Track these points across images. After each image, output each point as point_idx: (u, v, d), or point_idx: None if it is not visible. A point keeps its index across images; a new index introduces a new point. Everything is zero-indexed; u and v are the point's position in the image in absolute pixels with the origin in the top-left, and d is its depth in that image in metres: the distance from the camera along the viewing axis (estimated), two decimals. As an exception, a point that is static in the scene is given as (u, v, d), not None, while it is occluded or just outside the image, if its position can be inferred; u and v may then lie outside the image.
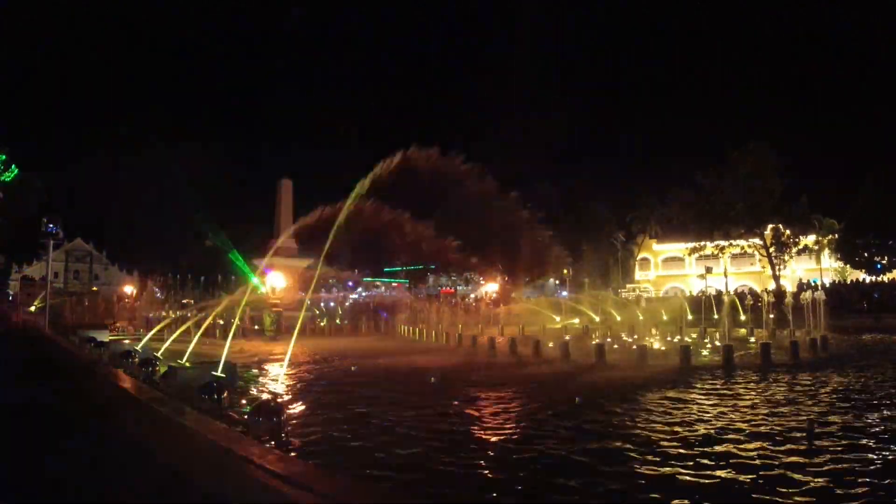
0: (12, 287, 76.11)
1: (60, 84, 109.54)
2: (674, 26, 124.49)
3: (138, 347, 16.59)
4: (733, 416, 10.64)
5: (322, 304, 53.60)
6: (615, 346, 22.98)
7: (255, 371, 18.47)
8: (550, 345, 23.07)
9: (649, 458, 7.92)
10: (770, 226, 62.96)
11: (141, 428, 8.25)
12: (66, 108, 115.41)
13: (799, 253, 65.65)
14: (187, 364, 13.48)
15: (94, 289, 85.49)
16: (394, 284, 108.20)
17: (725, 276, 66.20)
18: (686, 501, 6.33)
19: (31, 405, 10.97)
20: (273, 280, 45.61)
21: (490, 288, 69.57)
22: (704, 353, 21.37)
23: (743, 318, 34.78)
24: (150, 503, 5.80)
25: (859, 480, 6.94)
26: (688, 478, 7.09)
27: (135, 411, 8.81)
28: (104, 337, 21.94)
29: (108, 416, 9.83)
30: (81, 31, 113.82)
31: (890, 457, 8.00)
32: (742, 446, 8.48)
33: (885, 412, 10.95)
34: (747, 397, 12.77)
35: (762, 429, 9.64)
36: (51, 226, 28.78)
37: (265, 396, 12.69)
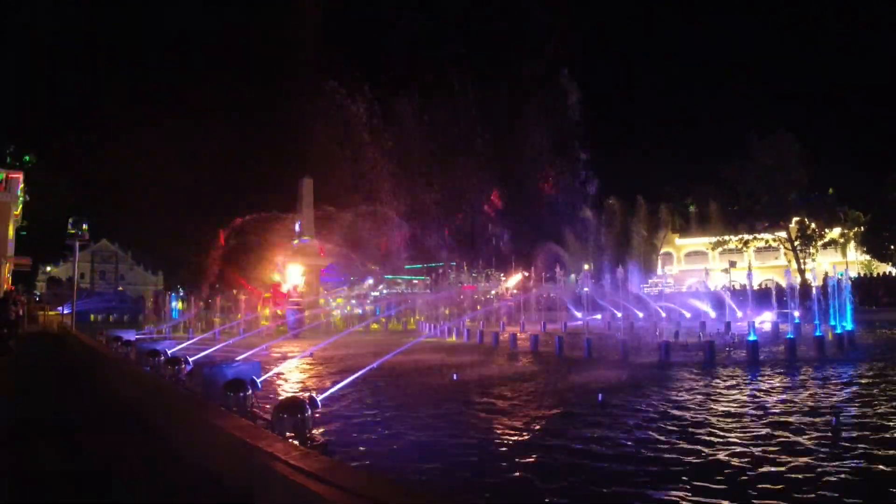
0: (39, 288, 77.43)
1: (85, 82, 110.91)
2: (699, 15, 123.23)
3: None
4: (757, 410, 10.54)
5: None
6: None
7: (280, 368, 18.63)
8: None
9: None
10: (795, 219, 62.09)
11: (167, 425, 8.36)
12: (90, 106, 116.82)
13: (825, 246, 64.67)
14: (213, 362, 13.63)
15: (120, 289, 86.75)
16: (415, 282, 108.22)
17: (749, 270, 65.37)
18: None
19: (58, 403, 11.16)
20: (294, 279, 45.99)
21: (511, 283, 69.51)
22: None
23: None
24: (175, 501, 5.88)
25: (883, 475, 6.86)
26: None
27: (160, 409, 8.93)
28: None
29: (134, 413, 9.97)
30: (106, 28, 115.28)
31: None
32: (765, 439, 8.41)
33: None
34: (773, 392, 12.66)
35: (788, 420, 9.54)
36: (77, 227, 29.23)
37: (289, 393, 12.80)
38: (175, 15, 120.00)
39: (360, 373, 12.76)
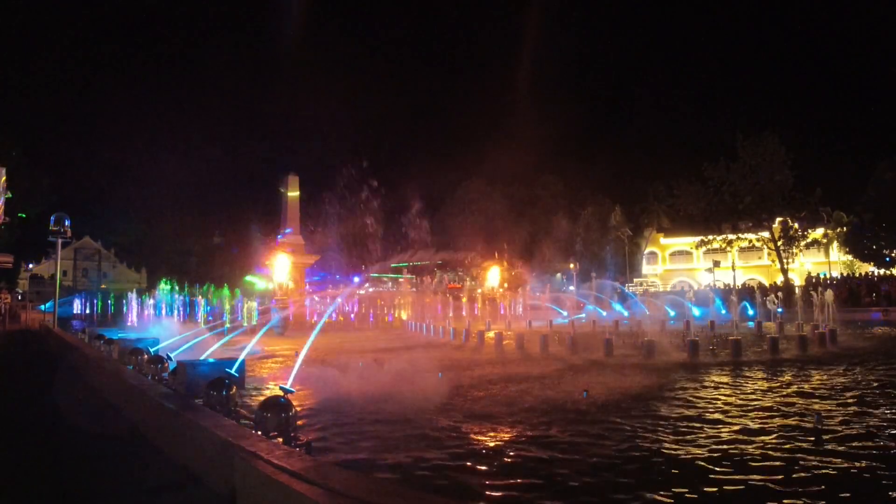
0: (21, 286, 76.51)
1: (68, 80, 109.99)
2: (683, 16, 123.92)
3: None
4: (740, 411, 10.61)
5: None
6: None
7: (264, 367, 18.54)
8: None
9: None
10: (778, 219, 62.56)
11: (150, 424, 8.29)
12: (71, 103, 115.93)
13: (808, 246, 65.27)
14: (196, 360, 13.51)
15: (103, 286, 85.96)
16: (400, 280, 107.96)
17: (733, 269, 66.01)
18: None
19: (39, 402, 11.04)
20: (280, 276, 45.75)
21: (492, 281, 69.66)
22: (712, 347, 21.24)
23: (751, 312, 34.66)
24: (157, 500, 5.83)
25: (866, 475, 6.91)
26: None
27: (144, 408, 8.85)
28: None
29: (117, 412, 9.89)
30: (91, 26, 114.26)
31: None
32: (749, 439, 8.46)
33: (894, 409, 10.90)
34: (754, 391, 12.75)
35: (769, 423, 9.61)
36: (59, 224, 28.90)
37: (273, 392, 12.72)
38: (163, 12, 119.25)
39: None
